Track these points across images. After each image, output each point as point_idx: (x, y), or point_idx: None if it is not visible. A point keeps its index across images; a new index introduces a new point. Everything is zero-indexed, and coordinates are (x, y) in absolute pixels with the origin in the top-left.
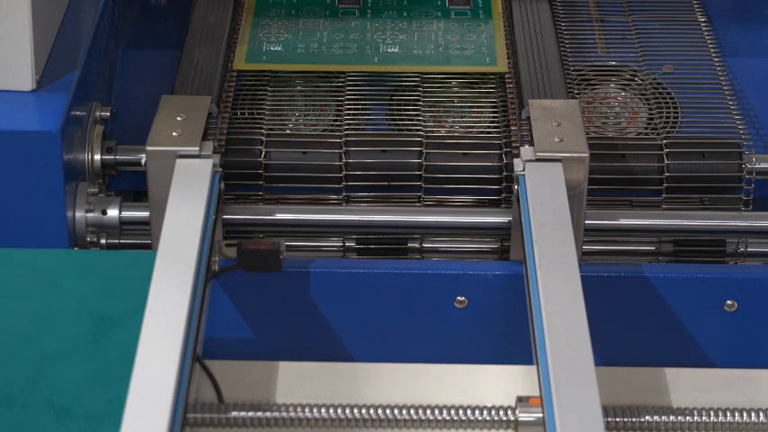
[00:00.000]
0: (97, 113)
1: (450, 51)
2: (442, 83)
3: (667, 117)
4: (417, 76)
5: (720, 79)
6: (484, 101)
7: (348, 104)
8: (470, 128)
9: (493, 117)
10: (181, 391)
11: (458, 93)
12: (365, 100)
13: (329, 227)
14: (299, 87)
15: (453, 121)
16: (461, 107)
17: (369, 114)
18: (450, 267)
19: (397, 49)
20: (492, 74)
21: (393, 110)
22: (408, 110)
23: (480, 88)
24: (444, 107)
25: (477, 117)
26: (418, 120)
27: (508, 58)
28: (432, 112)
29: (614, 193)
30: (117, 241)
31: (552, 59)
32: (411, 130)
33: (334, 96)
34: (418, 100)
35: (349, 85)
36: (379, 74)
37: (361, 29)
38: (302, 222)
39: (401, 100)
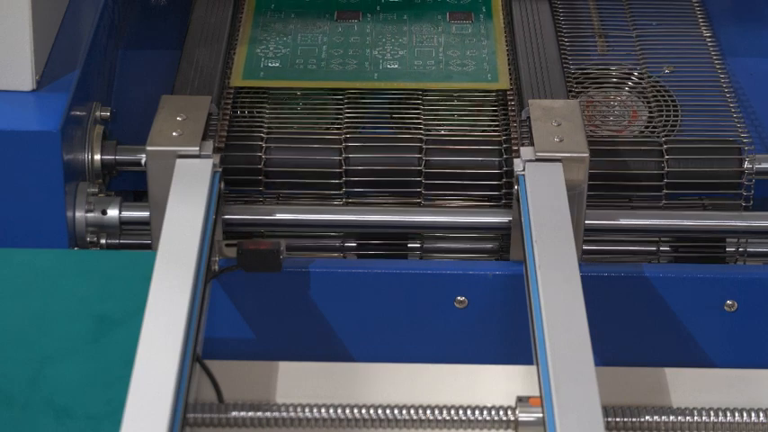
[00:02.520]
0: (97, 113)
1: (450, 67)
2: (442, 100)
3: (667, 117)
4: (418, 93)
5: (720, 79)
6: (485, 119)
7: (347, 122)
8: (471, 134)
9: (493, 127)
10: (181, 391)
11: (459, 109)
12: (365, 117)
13: (329, 227)
14: (298, 104)
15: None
16: (462, 125)
17: (368, 132)
18: (450, 267)
19: (397, 65)
20: (493, 91)
21: (393, 127)
22: (409, 127)
23: (481, 104)
24: (445, 124)
25: (478, 134)
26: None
27: (509, 68)
28: (433, 128)
29: (614, 194)
30: (117, 241)
31: (552, 59)
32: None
33: (334, 114)
34: (419, 117)
35: (348, 103)
36: (378, 90)
37: (360, 44)
38: (302, 222)
39: (401, 117)
